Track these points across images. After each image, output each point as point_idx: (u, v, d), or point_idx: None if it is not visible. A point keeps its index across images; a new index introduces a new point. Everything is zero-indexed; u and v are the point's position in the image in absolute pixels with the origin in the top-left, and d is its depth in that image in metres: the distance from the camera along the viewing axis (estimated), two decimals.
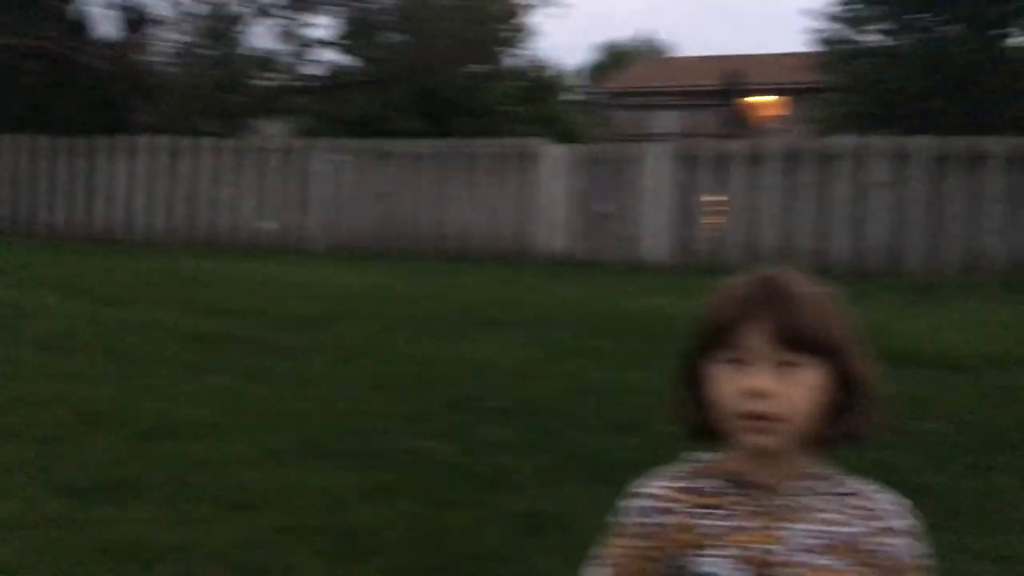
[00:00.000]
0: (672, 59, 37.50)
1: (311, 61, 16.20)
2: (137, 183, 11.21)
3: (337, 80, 16.57)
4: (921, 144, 8.48)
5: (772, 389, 1.09)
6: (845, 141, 9.02)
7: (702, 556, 1.12)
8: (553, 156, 9.98)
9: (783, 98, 31.12)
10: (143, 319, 5.95)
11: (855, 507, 1.14)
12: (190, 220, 11.12)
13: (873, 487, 1.16)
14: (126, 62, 13.92)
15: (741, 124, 28.06)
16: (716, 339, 1.12)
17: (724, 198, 9.39)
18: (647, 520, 1.15)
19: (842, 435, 1.13)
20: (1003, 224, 8.16)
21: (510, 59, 20.58)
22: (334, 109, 18.71)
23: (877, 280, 8.05)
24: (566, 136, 17.81)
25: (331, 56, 16.77)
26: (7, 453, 3.77)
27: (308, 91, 16.89)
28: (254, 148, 11.16)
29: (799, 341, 1.09)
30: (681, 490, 1.15)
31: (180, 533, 3.22)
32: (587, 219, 9.82)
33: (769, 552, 1.11)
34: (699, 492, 1.15)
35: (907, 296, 7.23)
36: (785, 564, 1.11)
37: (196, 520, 3.32)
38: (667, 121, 29.53)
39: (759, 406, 1.09)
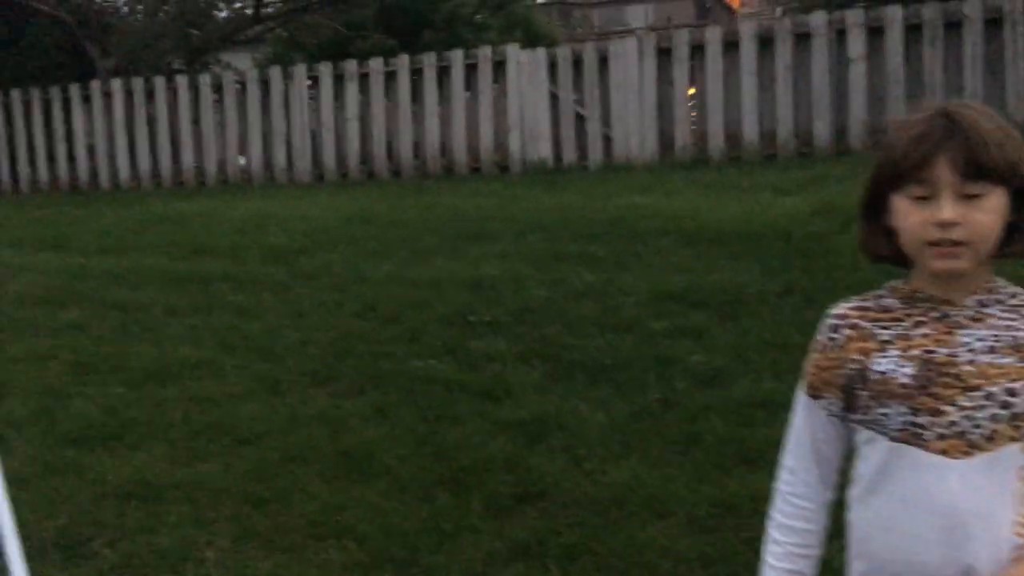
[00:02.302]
0: None
1: None
2: (116, 128, 11.00)
3: (296, 4, 16.11)
4: (895, 14, 8.33)
5: (958, 219, 1.17)
6: (818, 18, 8.83)
7: (879, 358, 1.24)
8: (523, 61, 9.80)
9: None
10: (130, 266, 5.91)
11: None
12: (173, 161, 10.95)
13: None
14: (85, 5, 13.48)
15: (715, 10, 27.52)
16: (902, 174, 1.20)
17: (701, 89, 9.26)
18: (834, 335, 1.30)
19: (1019, 251, 1.23)
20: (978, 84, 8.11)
21: None
22: (297, 34, 18.26)
23: (859, 155, 8.02)
24: (536, 40, 17.47)
25: None
26: (9, 410, 3.80)
27: (270, 18, 16.45)
28: (231, 81, 10.91)
29: (982, 172, 1.17)
30: (864, 309, 1.29)
31: (185, 471, 3.28)
32: (566, 123, 9.69)
33: (933, 352, 1.22)
34: (881, 309, 1.28)
35: None
36: (950, 363, 1.22)
37: (200, 457, 3.38)
38: (639, 15, 28.92)
39: (948, 234, 1.18)
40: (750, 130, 8.93)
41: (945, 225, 1.18)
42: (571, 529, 2.79)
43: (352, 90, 10.30)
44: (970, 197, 1.18)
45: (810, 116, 8.71)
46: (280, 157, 10.59)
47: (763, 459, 3.04)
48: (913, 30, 8.33)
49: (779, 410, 3.36)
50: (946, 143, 1.17)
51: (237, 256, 5.97)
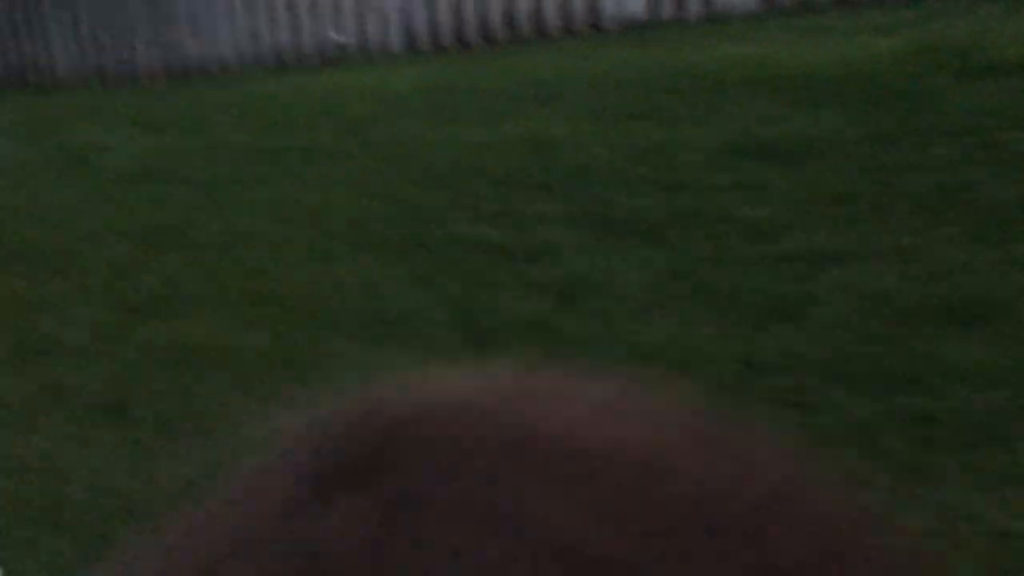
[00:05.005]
0: None
1: None
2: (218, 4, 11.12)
3: None
4: None
5: None
6: None
7: None
8: None
9: None
10: (211, 142, 6.03)
11: None
12: (271, 39, 11.05)
13: None
14: None
15: None
16: None
17: None
18: None
19: None
20: None
21: None
22: None
23: None
24: None
25: None
26: (73, 283, 3.99)
27: None
28: None
29: None
30: None
31: (229, 338, 3.37)
32: None
33: None
34: None
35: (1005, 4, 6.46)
36: None
37: (245, 325, 3.46)
38: None
39: None
40: None
41: None
42: None
43: None
44: None
45: None
46: (373, 30, 10.47)
47: (799, 315, 2.86)
48: None
49: (826, 263, 3.15)
50: None
51: (313, 129, 5.98)
